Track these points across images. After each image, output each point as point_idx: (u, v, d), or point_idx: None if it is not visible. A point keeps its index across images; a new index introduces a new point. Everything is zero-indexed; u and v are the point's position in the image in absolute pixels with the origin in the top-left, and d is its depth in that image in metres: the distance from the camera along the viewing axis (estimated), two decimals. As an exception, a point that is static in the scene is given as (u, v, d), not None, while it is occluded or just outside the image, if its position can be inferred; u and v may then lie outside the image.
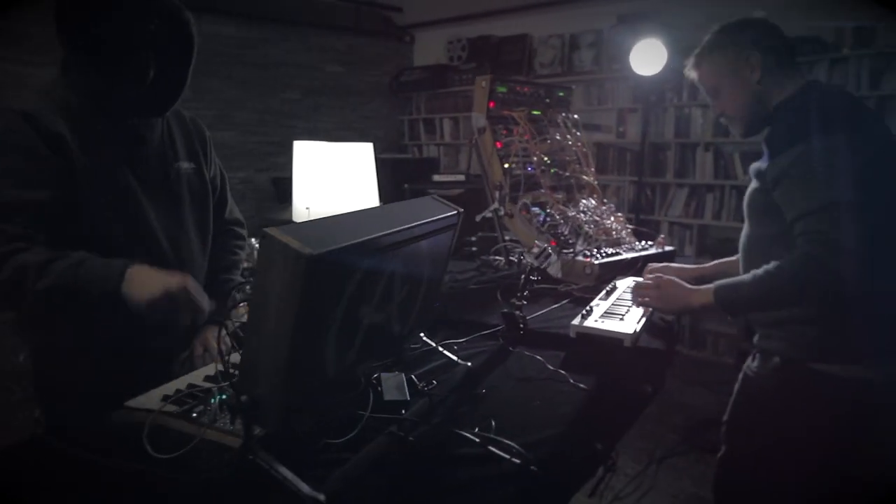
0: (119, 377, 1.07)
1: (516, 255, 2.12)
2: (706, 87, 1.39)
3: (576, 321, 1.38)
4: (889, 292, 1.18)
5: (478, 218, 2.23)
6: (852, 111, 1.23)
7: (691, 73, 1.41)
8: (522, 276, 1.44)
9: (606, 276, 1.85)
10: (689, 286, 1.34)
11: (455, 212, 1.14)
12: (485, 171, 2.22)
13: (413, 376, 1.16)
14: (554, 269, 1.95)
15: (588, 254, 1.90)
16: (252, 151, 4.71)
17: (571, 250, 1.92)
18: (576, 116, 2.45)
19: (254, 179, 4.71)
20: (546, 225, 2.04)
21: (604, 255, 1.92)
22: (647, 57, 3.70)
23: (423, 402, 1.06)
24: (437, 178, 4.40)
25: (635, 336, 1.33)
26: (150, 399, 1.02)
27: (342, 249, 0.78)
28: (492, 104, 2.19)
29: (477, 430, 0.96)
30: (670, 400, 3.19)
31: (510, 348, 1.33)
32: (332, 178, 1.79)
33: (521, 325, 1.40)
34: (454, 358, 1.24)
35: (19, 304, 1.08)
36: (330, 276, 0.79)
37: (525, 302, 1.43)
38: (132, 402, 1.01)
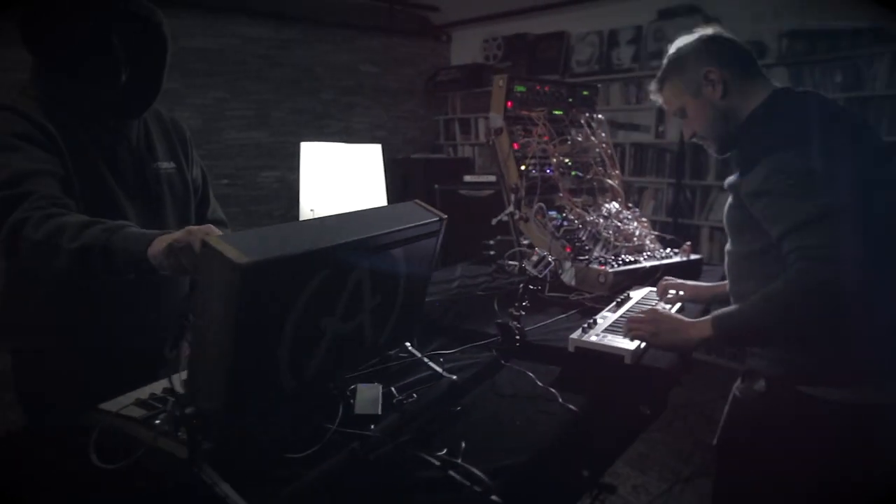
0: (104, 379, 1.07)
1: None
2: (672, 109, 1.34)
3: (575, 334, 1.30)
4: (880, 307, 1.07)
5: (494, 221, 2.17)
6: (825, 116, 1.14)
7: (656, 98, 1.37)
8: (521, 286, 1.36)
9: (622, 285, 1.75)
10: (687, 320, 1.22)
11: (437, 218, 1.08)
12: (501, 173, 2.15)
13: (393, 388, 1.11)
14: (567, 277, 1.86)
15: (603, 261, 1.80)
16: (285, 151, 4.79)
17: (586, 257, 1.82)
18: (600, 116, 2.34)
19: (286, 178, 4.79)
20: (562, 230, 1.96)
21: (621, 262, 1.81)
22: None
23: (395, 417, 1.01)
24: (468, 178, 4.35)
25: (638, 352, 1.24)
26: (128, 401, 1.01)
27: (286, 259, 0.75)
28: (510, 104, 2.12)
29: (445, 451, 0.91)
30: (703, 415, 3.02)
31: (502, 361, 1.26)
32: (339, 180, 1.76)
33: (518, 337, 1.33)
34: (438, 370, 1.18)
35: (52, 260, 1.03)
36: (275, 286, 0.75)
37: (523, 312, 1.36)
38: (105, 405, 1.01)
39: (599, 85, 2.48)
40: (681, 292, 1.54)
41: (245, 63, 4.45)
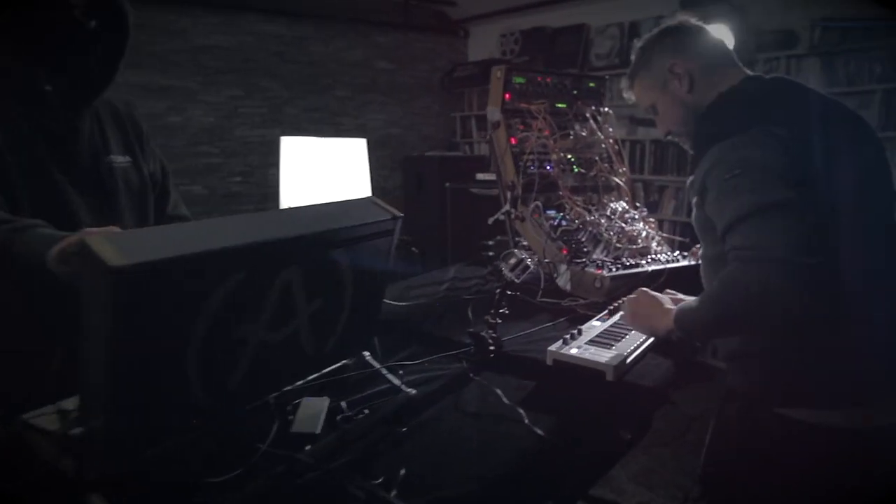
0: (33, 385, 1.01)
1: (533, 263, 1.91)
2: (644, 107, 1.25)
3: (554, 346, 1.18)
4: (849, 318, 0.94)
5: (490, 220, 2.05)
6: (782, 101, 1.04)
7: (629, 96, 1.30)
8: (497, 291, 1.25)
9: (620, 290, 1.61)
10: (666, 308, 1.14)
11: (391, 216, 0.98)
12: (497, 169, 2.03)
13: (343, 403, 1.01)
14: (562, 281, 1.73)
15: (601, 265, 1.66)
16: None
17: (583, 260, 1.69)
18: (608, 110, 2.19)
19: (301, 176, 4.75)
20: (559, 230, 1.83)
21: (620, 266, 1.67)
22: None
23: (334, 437, 0.91)
24: (480, 176, 4.23)
25: (622, 368, 1.11)
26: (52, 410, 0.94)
27: (181, 260, 0.65)
28: (507, 96, 2.00)
29: (382, 479, 0.80)
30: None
31: (471, 374, 1.15)
32: (322, 175, 1.67)
33: (492, 347, 1.21)
34: (397, 383, 1.08)
35: None
36: (169, 291, 0.66)
37: (499, 320, 1.25)
38: (29, 414, 0.94)
39: (608, 76, 2.33)
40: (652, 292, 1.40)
41: (258, 60, 4.43)
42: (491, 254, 2.22)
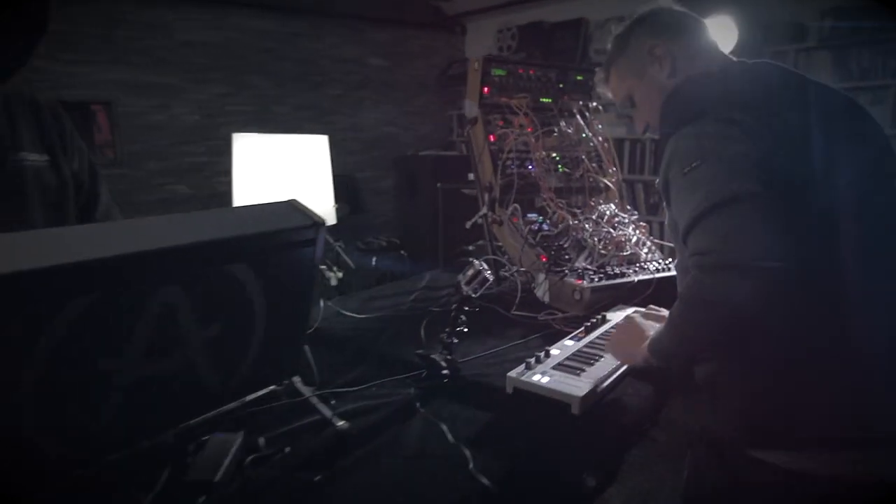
0: None
1: (509, 271, 1.76)
2: (620, 99, 1.12)
3: (515, 371, 1.03)
4: (846, 335, 0.80)
5: (468, 224, 1.90)
6: (757, 86, 0.92)
7: (604, 90, 1.20)
8: (453, 307, 1.10)
9: (603, 303, 1.46)
10: (647, 335, 1.00)
11: (311, 223, 0.83)
12: (475, 168, 1.89)
13: (261, 440, 0.87)
14: (541, 292, 1.58)
15: (581, 274, 1.51)
16: (290, 148, 4.62)
17: (563, 269, 1.54)
18: (596, 105, 2.03)
19: (290, 176, 4.63)
20: (539, 235, 1.67)
21: (603, 275, 1.52)
22: (717, 36, 3.14)
23: (236, 486, 0.77)
24: (472, 176, 4.07)
25: (591, 399, 0.96)
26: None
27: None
28: (486, 90, 1.85)
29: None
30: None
31: (417, 404, 1.00)
32: (278, 175, 1.53)
33: (446, 372, 1.07)
34: (327, 414, 0.93)
35: None
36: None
37: (455, 340, 1.10)
38: None
39: (597, 69, 2.17)
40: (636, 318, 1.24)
41: (247, 57, 4.30)
42: (471, 259, 2.07)
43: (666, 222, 1.01)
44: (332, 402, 0.97)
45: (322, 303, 1.48)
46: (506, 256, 1.73)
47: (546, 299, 1.55)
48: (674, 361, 0.99)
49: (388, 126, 5.09)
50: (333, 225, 4.40)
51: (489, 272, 1.07)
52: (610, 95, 1.17)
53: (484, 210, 1.81)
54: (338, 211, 2.08)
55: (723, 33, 3.12)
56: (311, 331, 1.34)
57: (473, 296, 1.07)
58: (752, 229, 0.74)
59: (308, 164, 1.58)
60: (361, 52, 4.84)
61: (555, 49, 4.39)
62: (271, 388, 0.97)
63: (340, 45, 4.72)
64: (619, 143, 3.89)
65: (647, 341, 0.96)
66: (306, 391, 0.97)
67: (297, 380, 0.98)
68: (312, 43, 4.59)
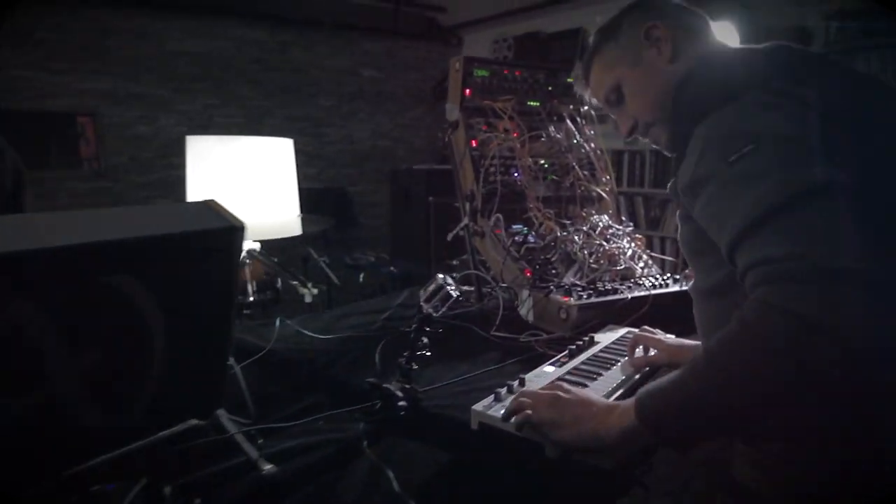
0: None
1: (492, 287, 1.62)
2: (604, 95, 0.96)
3: (481, 404, 0.88)
4: None
5: (449, 237, 1.77)
6: (798, 60, 0.74)
7: (583, 91, 1.04)
8: (412, 328, 0.95)
9: (592, 323, 1.31)
10: (606, 402, 0.77)
11: (228, 225, 0.70)
12: (456, 176, 1.76)
13: (167, 489, 0.73)
14: (524, 310, 1.43)
15: (569, 290, 1.36)
16: (280, 160, 4.52)
17: (549, 285, 1.39)
18: (587, 109, 1.91)
19: (280, 190, 4.52)
20: (523, 248, 1.53)
21: (592, 292, 1.37)
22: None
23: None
24: (466, 189, 3.94)
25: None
26: None
27: None
28: (468, 92, 1.73)
29: None
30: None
31: (365, 443, 0.85)
32: (236, 181, 1.40)
33: (402, 404, 0.92)
34: (252, 456, 0.78)
35: None
36: None
37: (415, 366, 0.95)
38: None
39: (576, 65, 2.05)
40: (653, 351, 1.07)
41: (237, 67, 4.23)
42: (455, 275, 1.94)
43: (679, 239, 0.85)
44: (260, 441, 0.82)
45: (278, 321, 1.34)
46: (491, 273, 1.59)
47: (530, 318, 1.41)
48: (687, 429, 0.66)
49: (381, 139, 4.99)
50: (317, 238, 4.21)
51: (453, 287, 0.93)
52: (587, 96, 1.03)
53: (465, 221, 1.67)
54: (305, 221, 1.95)
55: (724, 38, 3.02)
56: (261, 353, 1.20)
57: (434, 314, 0.92)
58: (853, 228, 0.56)
59: (270, 170, 1.45)
60: (354, 63, 4.76)
61: (552, 60, 4.30)
62: (191, 423, 0.82)
63: (332, 55, 4.65)
64: (617, 154, 3.77)
65: (637, 405, 0.68)
66: (232, 427, 0.82)
67: (222, 413, 0.83)
68: (303, 53, 4.51)
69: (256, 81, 4.33)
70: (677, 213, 0.85)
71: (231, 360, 0.96)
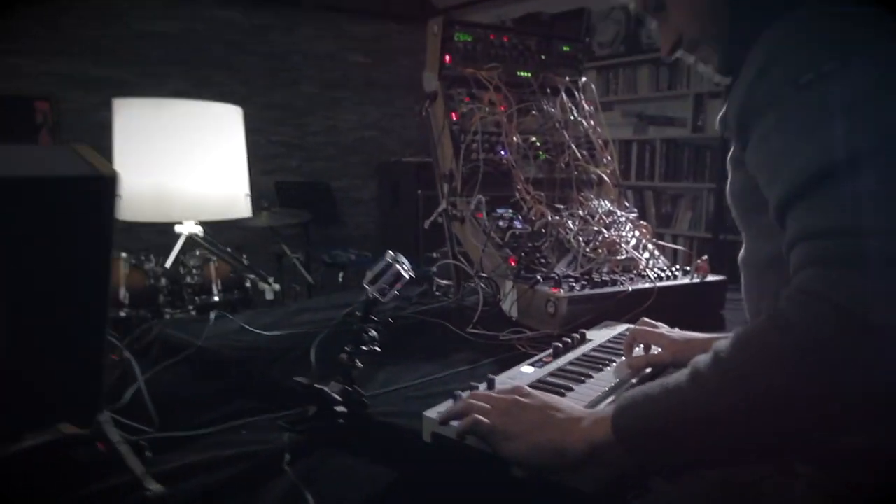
0: None
1: (472, 279, 1.48)
2: (644, 4, 0.77)
3: (435, 410, 0.75)
4: None
5: (426, 223, 1.64)
6: None
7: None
8: (354, 315, 0.82)
9: (584, 318, 1.18)
10: (578, 411, 0.63)
11: (95, 174, 0.57)
12: (433, 153, 1.63)
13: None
14: (507, 304, 1.31)
15: (558, 281, 1.23)
16: (257, 152, 4.41)
17: (535, 276, 1.27)
18: (585, 80, 1.79)
19: (257, 183, 4.40)
20: (509, 234, 1.41)
21: (585, 284, 1.24)
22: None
23: None
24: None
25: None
26: None
27: None
28: (448, 59, 1.61)
29: None
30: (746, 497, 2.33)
31: (287, 456, 0.72)
32: (172, 150, 1.28)
33: (342, 410, 0.79)
34: (138, 472, 0.65)
35: None
36: None
37: (359, 365, 0.82)
38: None
39: (588, 39, 1.93)
40: (655, 348, 0.93)
41: (210, 50, 4.12)
42: (433, 268, 1.81)
43: (728, 190, 0.70)
44: (148, 454, 0.69)
45: (212, 316, 1.21)
46: (474, 264, 1.47)
47: (514, 314, 1.28)
48: (673, 452, 0.53)
49: (368, 129, 4.88)
50: (297, 236, 4.09)
51: (405, 267, 0.80)
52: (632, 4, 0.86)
53: (443, 205, 1.55)
54: (277, 215, 1.83)
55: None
56: (190, 351, 1.07)
57: (382, 299, 0.79)
58: None
59: (214, 140, 1.32)
60: (339, 47, 4.66)
61: (553, 42, 4.19)
62: (68, 432, 0.70)
63: (315, 38, 4.54)
64: (625, 144, 3.65)
65: (614, 414, 0.56)
66: (115, 436, 0.69)
67: (105, 419, 0.70)
68: (283, 36, 4.41)
69: (230, 66, 4.22)
70: (728, 157, 0.71)
71: (127, 354, 0.84)
